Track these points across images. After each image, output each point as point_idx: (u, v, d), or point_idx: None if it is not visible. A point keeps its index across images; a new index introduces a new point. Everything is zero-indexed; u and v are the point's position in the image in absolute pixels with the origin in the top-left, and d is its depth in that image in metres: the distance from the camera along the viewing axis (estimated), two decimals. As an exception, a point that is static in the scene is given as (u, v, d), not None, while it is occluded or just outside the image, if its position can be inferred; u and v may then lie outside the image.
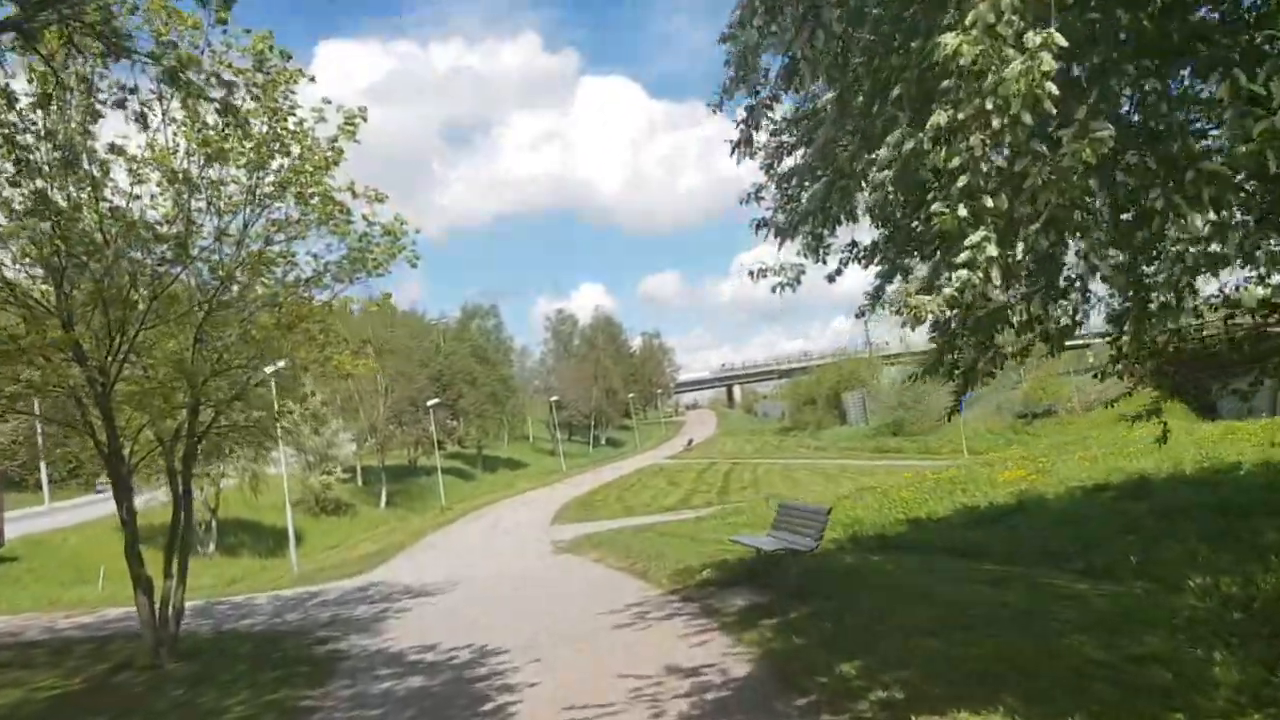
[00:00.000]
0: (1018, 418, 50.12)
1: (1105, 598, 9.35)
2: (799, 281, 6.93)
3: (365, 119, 12.15)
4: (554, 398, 77.64)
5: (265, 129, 11.16)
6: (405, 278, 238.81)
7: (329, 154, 11.51)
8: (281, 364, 19.70)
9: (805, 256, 6.96)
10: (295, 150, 11.54)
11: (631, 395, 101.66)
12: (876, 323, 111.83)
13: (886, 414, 59.18)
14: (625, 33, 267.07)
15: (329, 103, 11.89)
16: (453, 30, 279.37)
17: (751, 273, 7.04)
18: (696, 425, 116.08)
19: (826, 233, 6.64)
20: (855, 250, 7.02)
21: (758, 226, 7.37)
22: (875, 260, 6.95)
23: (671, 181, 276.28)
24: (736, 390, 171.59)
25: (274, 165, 11.47)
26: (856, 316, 7.96)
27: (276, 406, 22.96)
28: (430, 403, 48.62)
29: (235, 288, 12.21)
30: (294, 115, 11.42)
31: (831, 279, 7.04)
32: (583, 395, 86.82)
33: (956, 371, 8.04)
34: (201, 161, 10.98)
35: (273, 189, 11.53)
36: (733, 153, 7.46)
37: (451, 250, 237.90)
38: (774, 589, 10.83)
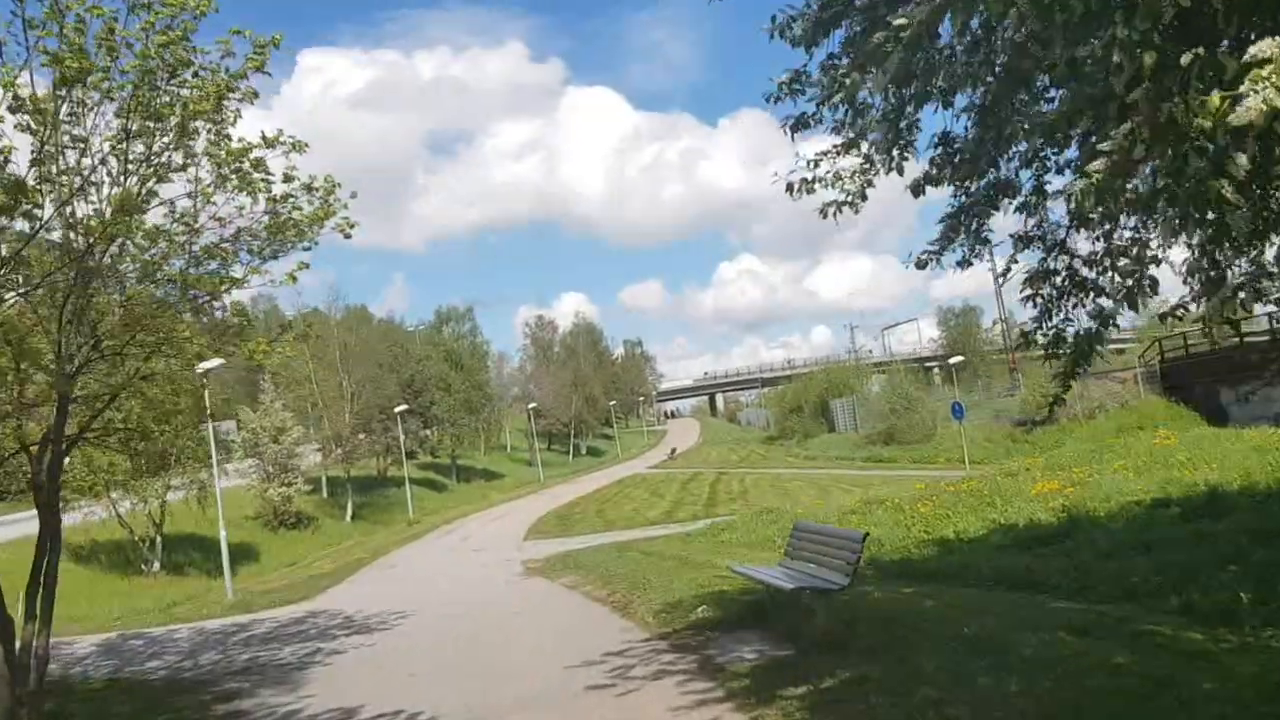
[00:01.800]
0: (1016, 425, 47.94)
1: (1241, 654, 7.00)
2: (864, 196, 4.58)
3: (278, 46, 9.74)
4: (532, 404, 74.82)
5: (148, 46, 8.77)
6: (386, 286, 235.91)
7: (226, 80, 9.11)
8: (217, 363, 17.26)
9: (873, 164, 4.64)
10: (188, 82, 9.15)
11: (613, 403, 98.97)
12: (862, 330, 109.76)
13: (877, 422, 56.86)
14: (610, 45, 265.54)
15: (240, 33, 9.57)
16: (438, 39, 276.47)
17: (790, 186, 4.68)
18: (679, 434, 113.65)
19: (908, 117, 4.32)
20: (950, 147, 4.64)
21: (794, 127, 4.98)
22: (980, 158, 4.59)
23: (654, 192, 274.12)
24: (719, 399, 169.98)
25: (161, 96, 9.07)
26: (918, 267, 5.60)
27: (209, 411, 20.31)
28: (398, 409, 45.84)
29: (112, 253, 9.77)
30: (187, 41, 9.05)
31: (917, 190, 4.67)
32: (562, 403, 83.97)
33: (1067, 342, 5.73)
34: (59, 87, 8.57)
35: (156, 126, 9.13)
36: (772, 37, 5.13)
37: (433, 260, 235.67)
38: (794, 637, 8.43)
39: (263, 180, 10.83)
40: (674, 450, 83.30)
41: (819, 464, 55.33)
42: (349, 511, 45.11)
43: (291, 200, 10.93)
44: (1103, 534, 12.14)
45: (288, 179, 10.92)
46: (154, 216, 10.60)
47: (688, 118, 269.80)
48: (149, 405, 10.25)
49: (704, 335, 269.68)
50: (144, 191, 9.41)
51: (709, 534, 21.41)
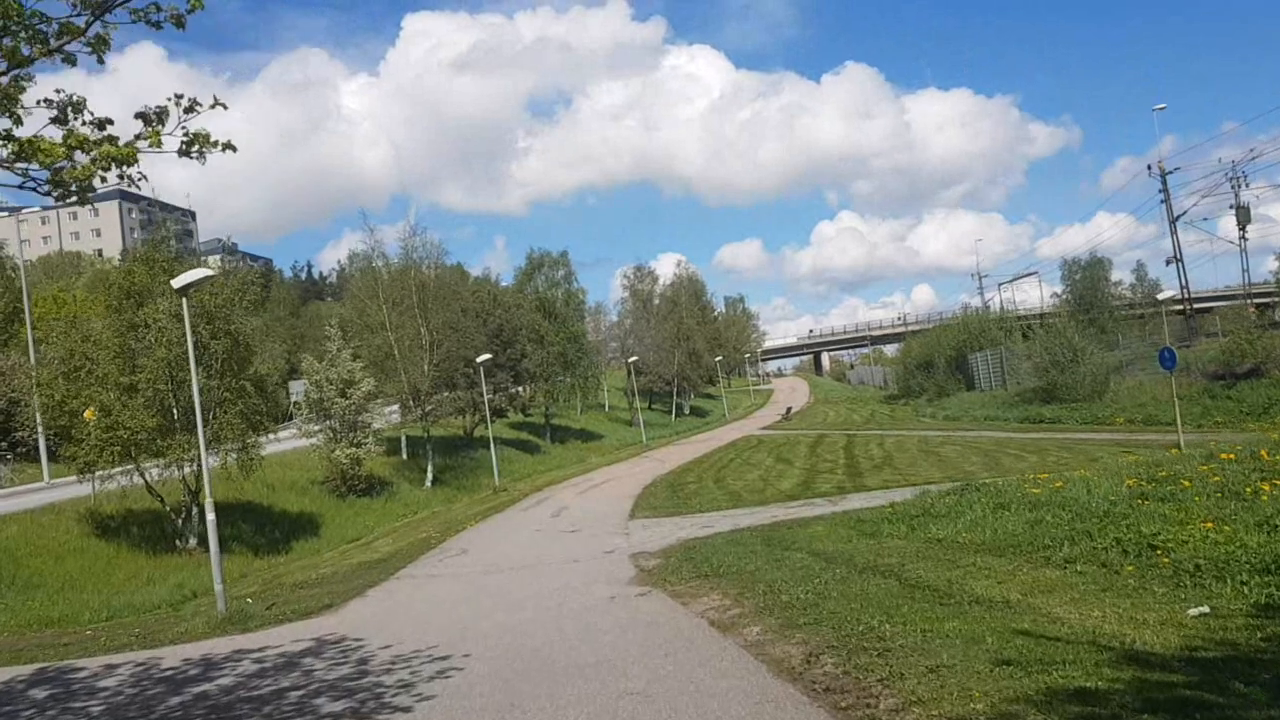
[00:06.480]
0: (1214, 380, 39.91)
1: None
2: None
3: None
4: (632, 358, 68.50)
5: None
6: (487, 249, 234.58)
7: None
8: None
9: None
10: None
11: (719, 359, 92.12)
12: (971, 290, 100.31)
13: (1033, 377, 49.03)
14: (711, 1, 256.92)
15: None
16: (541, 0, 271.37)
17: None
18: (787, 393, 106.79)
19: None
20: None
21: None
22: None
23: (752, 151, 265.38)
24: (824, 357, 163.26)
25: None
26: None
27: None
28: (480, 359, 39.90)
29: None
30: None
31: None
32: (664, 358, 77.40)
33: None
34: None
35: None
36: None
37: (533, 222, 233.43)
38: None
39: None
40: (789, 410, 76.38)
41: (964, 425, 47.86)
42: (429, 475, 39.71)
43: None
44: None
45: None
46: None
47: (790, 75, 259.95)
48: None
49: (802, 295, 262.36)
50: None
51: (902, 522, 14.79)
